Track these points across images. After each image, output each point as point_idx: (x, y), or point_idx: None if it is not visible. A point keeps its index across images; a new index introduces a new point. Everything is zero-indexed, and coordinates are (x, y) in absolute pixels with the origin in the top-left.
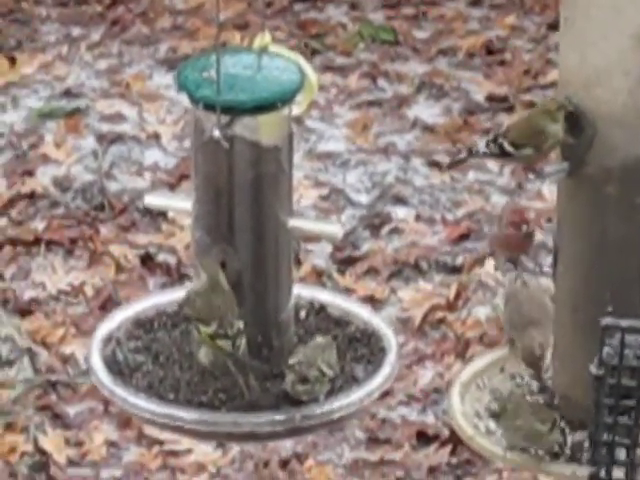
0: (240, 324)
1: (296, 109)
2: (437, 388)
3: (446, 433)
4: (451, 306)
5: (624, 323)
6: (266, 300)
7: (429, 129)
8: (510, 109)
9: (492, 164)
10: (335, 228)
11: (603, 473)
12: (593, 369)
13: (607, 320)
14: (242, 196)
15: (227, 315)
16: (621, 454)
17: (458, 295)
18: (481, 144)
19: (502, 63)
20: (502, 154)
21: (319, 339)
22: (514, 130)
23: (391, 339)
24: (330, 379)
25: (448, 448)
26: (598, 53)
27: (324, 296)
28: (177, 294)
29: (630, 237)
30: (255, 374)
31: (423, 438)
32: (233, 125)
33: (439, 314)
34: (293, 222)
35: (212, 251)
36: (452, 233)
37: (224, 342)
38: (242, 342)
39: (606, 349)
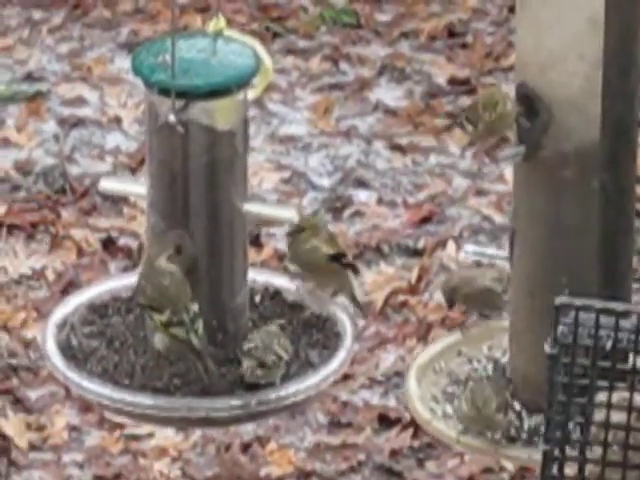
0: (195, 307)
1: (251, 93)
2: (399, 371)
3: (408, 417)
4: (413, 289)
5: (578, 302)
6: (221, 285)
7: (391, 112)
8: (472, 92)
9: (454, 147)
10: (290, 213)
11: (557, 452)
12: (547, 348)
13: (561, 299)
14: (197, 181)
15: (180, 300)
16: (575, 433)
17: (420, 278)
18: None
19: (464, 46)
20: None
21: (272, 325)
22: (470, 106)
23: (346, 323)
24: (286, 362)
25: (410, 431)
26: (553, 37)
27: (279, 281)
28: (132, 279)
29: (586, 221)
30: (212, 358)
31: (385, 421)
32: (188, 109)
33: (401, 297)
34: (248, 207)
35: (167, 236)
36: (414, 216)
37: (178, 329)
38: (199, 325)
39: (560, 328)
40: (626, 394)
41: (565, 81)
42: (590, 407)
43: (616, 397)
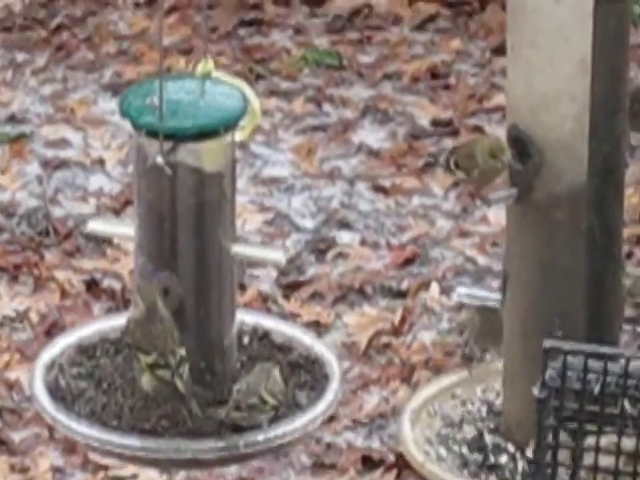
0: (182, 351)
1: (239, 135)
2: (382, 413)
3: (392, 458)
4: (396, 331)
5: (566, 346)
6: (209, 326)
7: (374, 154)
8: (455, 133)
9: (437, 189)
10: (278, 254)
11: None
12: (536, 391)
13: (549, 343)
14: (185, 222)
15: (167, 343)
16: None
17: (403, 320)
18: (442, 156)
19: (447, 87)
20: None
21: (261, 366)
22: (459, 149)
23: (334, 365)
24: (273, 407)
25: (394, 473)
26: (545, 79)
27: (267, 322)
28: (120, 320)
29: (576, 263)
30: (198, 401)
31: (368, 463)
32: (176, 151)
33: (384, 339)
34: (236, 248)
35: (154, 278)
36: (397, 258)
37: (163, 372)
38: (185, 369)
39: (549, 372)
40: (615, 438)
41: (556, 123)
42: (579, 451)
43: (605, 441)
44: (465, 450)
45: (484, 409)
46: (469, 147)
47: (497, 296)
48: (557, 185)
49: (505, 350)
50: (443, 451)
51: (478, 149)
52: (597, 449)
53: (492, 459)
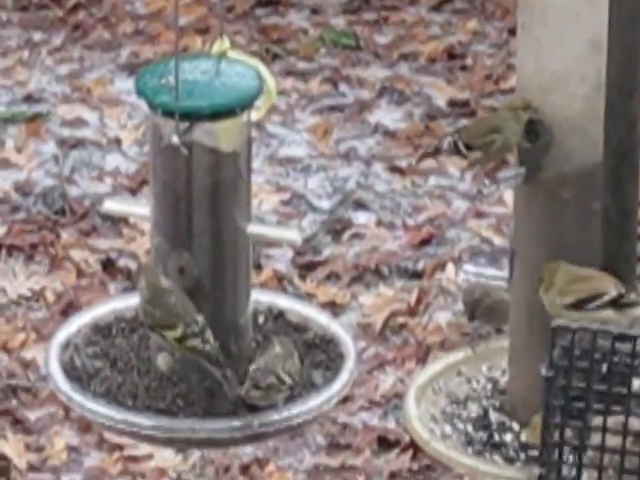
0: (201, 318)
1: (255, 115)
2: (398, 393)
3: (407, 439)
4: (412, 311)
5: (574, 325)
6: (224, 306)
7: (390, 134)
8: (472, 114)
9: (453, 169)
10: (293, 234)
11: (553, 475)
12: (543, 371)
13: (557, 321)
14: (200, 202)
15: (188, 311)
16: (571, 456)
17: (419, 300)
18: (446, 141)
19: (464, 68)
20: (457, 152)
21: (279, 343)
22: (469, 130)
23: (349, 345)
24: (289, 386)
25: (409, 453)
26: (555, 58)
27: (283, 302)
28: (135, 299)
29: (586, 243)
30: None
31: (384, 443)
32: (192, 131)
33: (400, 319)
34: (251, 228)
35: (170, 257)
36: (413, 238)
37: (195, 341)
38: (209, 335)
39: (556, 351)
40: (622, 418)
41: (566, 103)
42: (585, 430)
43: (612, 421)
44: (470, 428)
45: (489, 387)
46: (483, 124)
47: (504, 274)
48: (566, 165)
49: (511, 328)
50: (448, 429)
51: (501, 116)
52: (604, 429)
53: (497, 437)
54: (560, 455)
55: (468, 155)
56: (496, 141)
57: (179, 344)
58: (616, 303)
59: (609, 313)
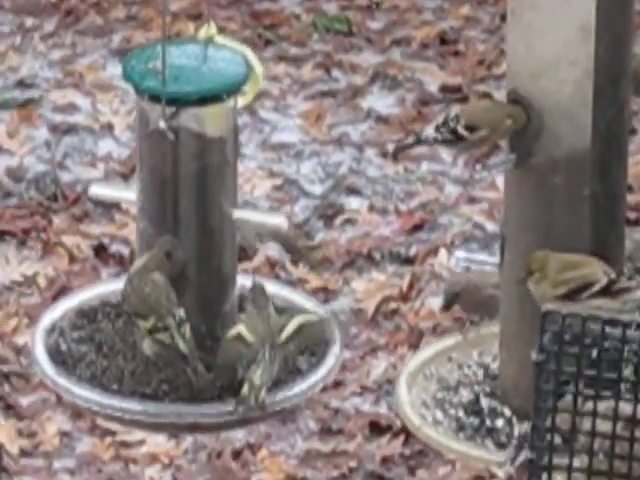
0: (181, 312)
1: (242, 100)
2: (390, 379)
3: (399, 424)
4: (404, 297)
5: (564, 309)
6: (210, 291)
7: (383, 120)
8: (464, 99)
9: (446, 154)
10: (280, 219)
11: (545, 459)
12: (534, 355)
13: (547, 306)
14: (187, 187)
15: (162, 305)
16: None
17: (411, 286)
18: (429, 129)
19: (456, 54)
20: (454, 139)
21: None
22: (468, 113)
23: (335, 330)
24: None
25: (401, 439)
26: (545, 44)
27: (269, 287)
28: (121, 284)
29: (576, 228)
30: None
31: (376, 429)
32: (178, 116)
33: (392, 305)
34: (238, 213)
35: (157, 242)
36: (405, 224)
37: (163, 335)
38: (187, 329)
39: (547, 335)
40: (613, 403)
41: (556, 88)
42: (576, 415)
43: (603, 406)
44: (461, 414)
45: (480, 373)
46: (481, 106)
47: (496, 260)
48: (556, 150)
49: (502, 314)
50: (439, 414)
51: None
52: (595, 414)
53: (488, 423)
54: (551, 441)
55: (471, 136)
56: (505, 121)
57: (150, 335)
58: (607, 290)
59: (601, 301)
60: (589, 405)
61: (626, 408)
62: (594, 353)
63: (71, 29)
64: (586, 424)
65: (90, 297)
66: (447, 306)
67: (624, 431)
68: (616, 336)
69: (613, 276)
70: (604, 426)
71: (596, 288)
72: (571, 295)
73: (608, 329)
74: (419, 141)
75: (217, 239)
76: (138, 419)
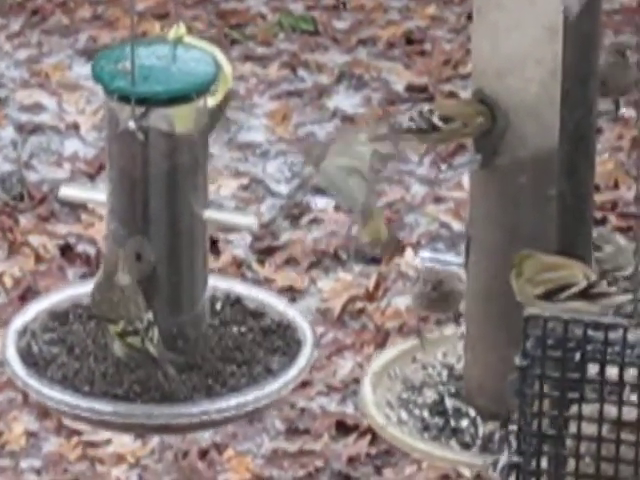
0: (149, 315)
1: (211, 100)
2: (356, 378)
3: (365, 423)
4: (371, 296)
5: (546, 313)
6: (181, 291)
7: (349, 119)
8: (430, 99)
9: (412, 154)
10: (250, 219)
11: (533, 464)
12: (517, 360)
13: (529, 310)
14: (157, 187)
15: (130, 310)
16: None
17: (378, 285)
18: (403, 119)
19: (422, 53)
20: (429, 128)
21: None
22: (442, 106)
23: (306, 331)
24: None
25: (367, 438)
26: (511, 42)
27: (240, 288)
28: (92, 286)
29: (542, 228)
30: (172, 365)
31: (342, 428)
32: (148, 116)
33: (359, 304)
34: (208, 213)
35: (127, 243)
36: None
37: (133, 339)
38: (155, 333)
39: (529, 340)
40: (598, 406)
41: (522, 87)
42: (561, 419)
43: (589, 409)
44: (426, 414)
45: (445, 373)
46: (454, 102)
47: (460, 260)
48: (522, 150)
49: (467, 314)
50: (404, 414)
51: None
52: (580, 417)
53: (453, 423)
54: (539, 445)
55: (445, 127)
56: (477, 117)
57: (120, 339)
58: (586, 293)
59: (578, 304)
60: (574, 408)
61: (611, 410)
62: (577, 356)
63: (37, 29)
64: (572, 427)
65: (61, 299)
66: (434, 289)
67: (610, 434)
68: (599, 339)
69: (593, 279)
70: (590, 429)
71: (574, 290)
72: (549, 295)
73: (590, 332)
74: (393, 130)
75: (187, 239)
76: (109, 420)
